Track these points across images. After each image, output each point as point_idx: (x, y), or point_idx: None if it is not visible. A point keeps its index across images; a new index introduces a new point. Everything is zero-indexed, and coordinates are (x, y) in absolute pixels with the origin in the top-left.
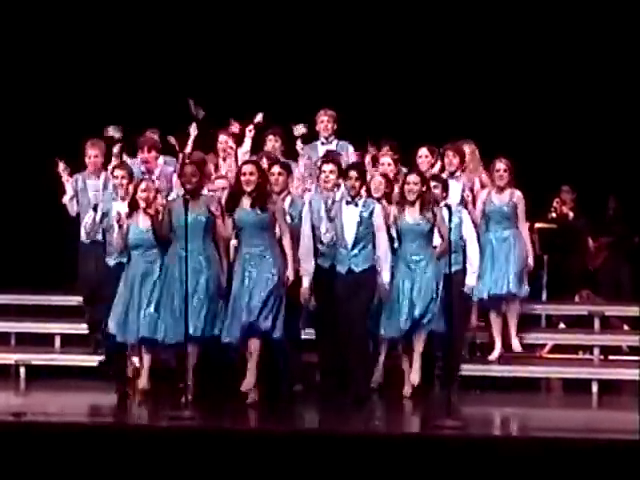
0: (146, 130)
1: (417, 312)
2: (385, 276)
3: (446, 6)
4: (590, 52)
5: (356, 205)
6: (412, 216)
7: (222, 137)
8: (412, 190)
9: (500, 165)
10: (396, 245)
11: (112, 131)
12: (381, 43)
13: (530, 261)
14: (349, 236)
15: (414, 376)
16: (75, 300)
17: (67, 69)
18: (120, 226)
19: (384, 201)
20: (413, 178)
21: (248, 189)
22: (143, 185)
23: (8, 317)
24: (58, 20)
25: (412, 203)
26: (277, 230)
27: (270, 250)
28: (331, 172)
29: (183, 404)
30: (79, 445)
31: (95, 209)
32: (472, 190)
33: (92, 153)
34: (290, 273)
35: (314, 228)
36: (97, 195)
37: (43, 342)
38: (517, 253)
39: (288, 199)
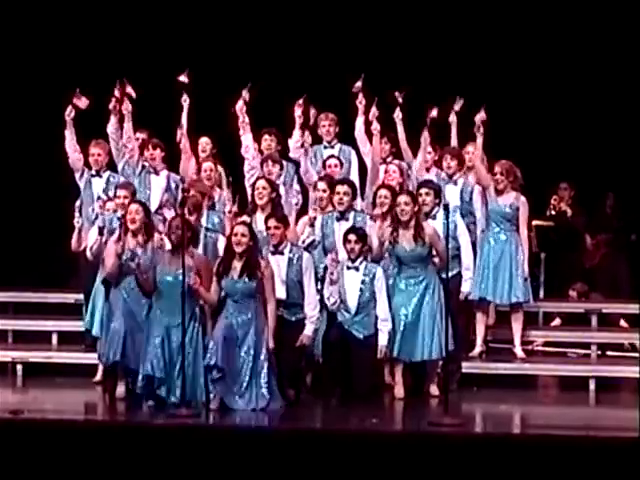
0: (135, 132)
1: (426, 347)
2: (383, 339)
3: (446, 5)
4: (588, 49)
5: (357, 270)
6: (407, 241)
7: (203, 139)
8: (404, 211)
9: (496, 168)
10: (391, 270)
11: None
12: (380, 39)
13: (525, 269)
14: (352, 302)
15: (434, 390)
16: (72, 298)
17: (68, 66)
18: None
19: (379, 220)
20: (404, 198)
21: (239, 250)
22: (133, 207)
23: (5, 315)
24: (55, 20)
25: (406, 225)
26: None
27: (255, 320)
28: (345, 194)
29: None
30: (76, 443)
31: (101, 233)
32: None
33: (95, 152)
34: (270, 342)
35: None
36: (103, 218)
37: (40, 340)
38: (517, 259)
39: (287, 249)
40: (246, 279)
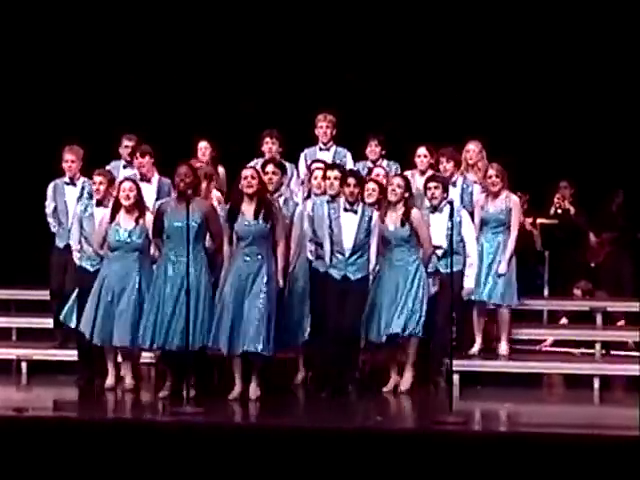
0: (122, 135)
1: (401, 321)
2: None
3: (445, 4)
4: (589, 48)
5: (355, 212)
6: (393, 222)
7: (202, 144)
8: (394, 192)
9: (491, 171)
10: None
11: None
12: (379, 42)
13: (502, 267)
14: (347, 243)
15: (405, 384)
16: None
17: (52, 74)
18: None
19: (375, 207)
20: (397, 180)
21: (249, 191)
22: (126, 184)
23: (9, 312)
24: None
25: (394, 207)
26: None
27: (267, 261)
28: (335, 178)
29: (184, 400)
30: (80, 440)
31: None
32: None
33: (69, 158)
34: (280, 281)
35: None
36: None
37: (44, 337)
38: (504, 259)
39: (281, 199)
40: (261, 221)
